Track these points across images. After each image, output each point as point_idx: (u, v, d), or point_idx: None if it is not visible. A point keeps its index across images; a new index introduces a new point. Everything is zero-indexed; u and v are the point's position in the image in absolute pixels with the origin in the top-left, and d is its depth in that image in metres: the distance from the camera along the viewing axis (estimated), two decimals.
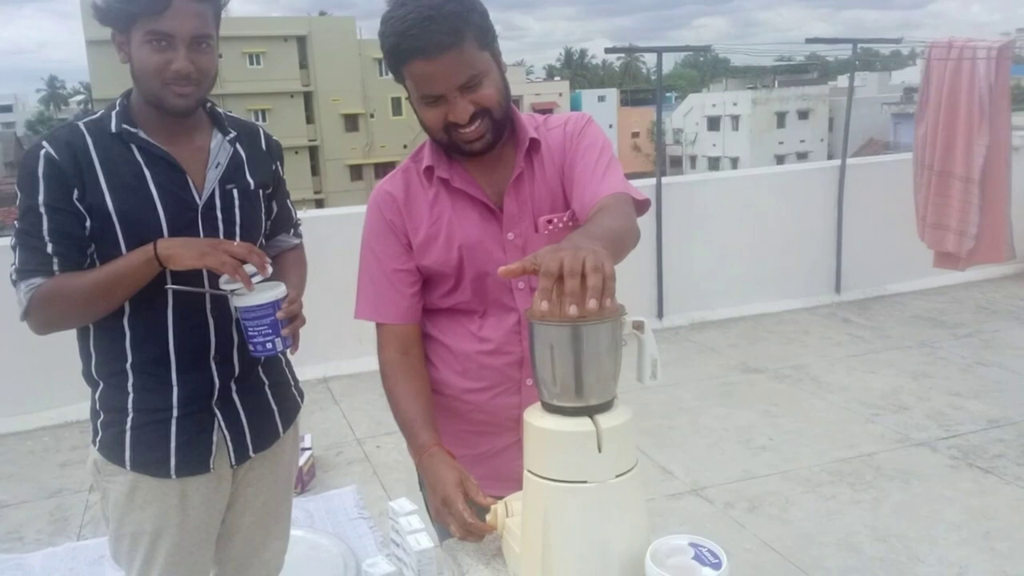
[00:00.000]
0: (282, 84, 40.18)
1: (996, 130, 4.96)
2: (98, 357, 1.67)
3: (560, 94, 56.86)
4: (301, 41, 41.03)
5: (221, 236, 1.64)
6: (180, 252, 1.52)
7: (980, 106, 4.92)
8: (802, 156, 40.67)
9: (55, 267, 1.53)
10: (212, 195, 1.64)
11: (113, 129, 1.57)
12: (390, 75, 1.48)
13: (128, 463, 1.66)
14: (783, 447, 3.80)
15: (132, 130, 1.57)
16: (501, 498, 1.32)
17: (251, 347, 1.62)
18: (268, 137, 1.83)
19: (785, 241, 5.93)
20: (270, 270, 1.60)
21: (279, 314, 1.59)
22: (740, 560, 2.91)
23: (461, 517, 1.31)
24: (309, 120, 41.71)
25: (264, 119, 40.10)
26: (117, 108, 1.60)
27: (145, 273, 1.54)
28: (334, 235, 4.41)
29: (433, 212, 1.53)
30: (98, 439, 1.69)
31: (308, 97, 41.51)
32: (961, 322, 5.49)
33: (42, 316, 1.55)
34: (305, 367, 4.83)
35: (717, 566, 1.03)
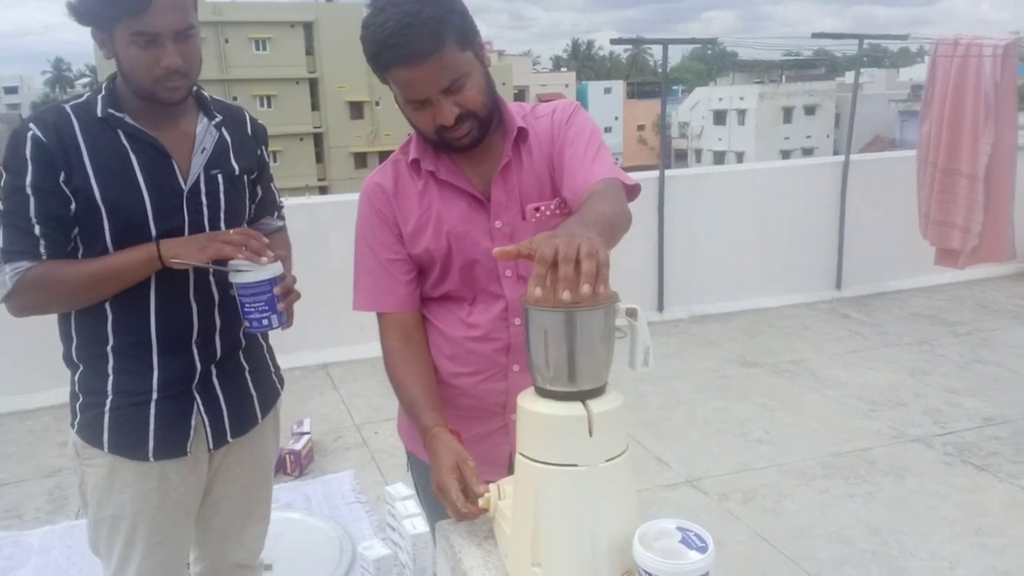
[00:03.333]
0: (288, 70, 40.13)
1: (1001, 129, 4.95)
2: (79, 340, 1.67)
3: (566, 85, 56.80)
4: (308, 27, 40.96)
5: (206, 221, 1.66)
6: (183, 251, 1.55)
7: (986, 104, 4.91)
8: (808, 152, 40.56)
9: (42, 249, 1.53)
10: (197, 180, 1.64)
11: (99, 113, 1.56)
12: None
13: (106, 445, 1.66)
14: (779, 440, 3.82)
15: (118, 115, 1.57)
16: (490, 482, 1.34)
17: (247, 323, 1.64)
18: (254, 121, 1.82)
19: (787, 236, 5.93)
20: (271, 253, 1.61)
21: (276, 289, 1.61)
22: (733, 551, 2.93)
23: (454, 506, 1.32)
24: (314, 107, 41.67)
25: (269, 105, 40.09)
26: (103, 92, 1.58)
27: (145, 271, 1.57)
28: (337, 222, 4.43)
29: (422, 203, 1.55)
30: (76, 422, 1.70)
31: (314, 84, 41.47)
32: (961, 320, 5.50)
33: (26, 300, 1.56)
34: (305, 353, 4.88)
35: (703, 549, 1.05)
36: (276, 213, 1.92)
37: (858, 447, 3.71)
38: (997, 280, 6.31)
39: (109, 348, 1.64)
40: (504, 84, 45.19)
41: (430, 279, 1.60)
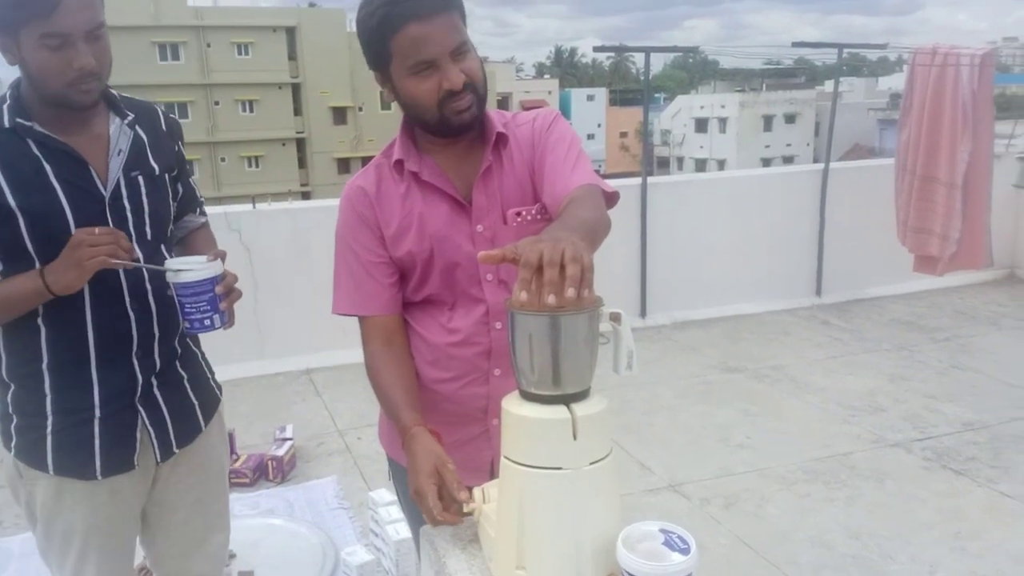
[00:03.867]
0: (270, 75, 39.99)
1: (979, 137, 5.02)
2: (10, 358, 1.59)
3: (549, 92, 56.88)
4: (290, 32, 40.84)
5: (130, 225, 1.58)
6: (68, 282, 1.47)
7: (963, 113, 4.98)
8: (788, 160, 40.82)
9: None
10: (118, 185, 1.57)
11: (6, 124, 1.48)
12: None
13: (51, 468, 1.61)
14: (760, 445, 3.84)
15: (27, 124, 1.49)
16: (470, 488, 1.34)
17: (187, 324, 1.58)
18: (167, 116, 1.75)
19: (768, 243, 5.98)
20: (138, 254, 1.56)
21: (218, 288, 1.56)
22: (715, 555, 2.95)
23: (430, 513, 1.32)
24: (297, 112, 41.54)
25: (252, 110, 39.92)
26: (8, 101, 1.50)
27: (37, 301, 1.50)
28: (319, 227, 4.42)
29: (405, 206, 1.55)
30: (13, 444, 1.63)
31: (296, 89, 41.34)
32: (939, 326, 5.56)
33: None
34: (288, 359, 4.85)
35: (686, 551, 1.06)
36: (198, 209, 1.85)
37: (838, 452, 3.75)
38: (975, 287, 6.38)
39: (44, 366, 1.57)
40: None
41: (411, 283, 1.60)
